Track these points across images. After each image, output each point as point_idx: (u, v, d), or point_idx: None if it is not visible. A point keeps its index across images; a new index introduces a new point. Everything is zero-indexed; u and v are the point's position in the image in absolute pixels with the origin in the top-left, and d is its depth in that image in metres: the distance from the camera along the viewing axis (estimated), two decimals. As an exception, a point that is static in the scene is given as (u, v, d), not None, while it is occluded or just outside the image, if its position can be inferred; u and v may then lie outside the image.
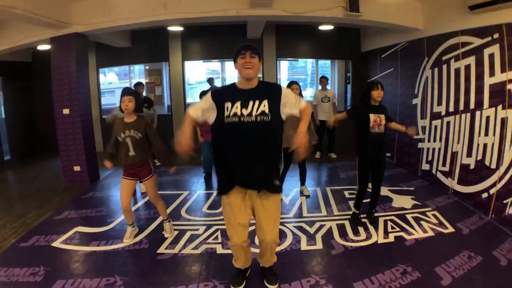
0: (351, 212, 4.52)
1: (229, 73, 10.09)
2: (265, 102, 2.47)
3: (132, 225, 3.98)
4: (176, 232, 4.09)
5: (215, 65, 10.52)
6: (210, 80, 9.23)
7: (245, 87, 2.54)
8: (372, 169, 4.06)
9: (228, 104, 2.48)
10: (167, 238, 3.97)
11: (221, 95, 2.56)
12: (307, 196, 5.24)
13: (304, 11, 5.40)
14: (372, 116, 3.88)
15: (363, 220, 4.26)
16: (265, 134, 2.51)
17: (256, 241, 3.57)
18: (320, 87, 7.62)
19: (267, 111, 2.46)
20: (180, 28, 7.83)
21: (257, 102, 2.47)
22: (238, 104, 2.46)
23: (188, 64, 9.31)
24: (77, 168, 6.04)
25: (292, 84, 4.95)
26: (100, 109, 8.97)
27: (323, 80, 7.56)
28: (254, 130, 2.46)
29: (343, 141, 7.89)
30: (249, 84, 2.54)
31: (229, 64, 10.17)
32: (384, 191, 4.67)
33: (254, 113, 2.45)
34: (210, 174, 6.28)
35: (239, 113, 2.45)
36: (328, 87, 7.84)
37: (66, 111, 5.84)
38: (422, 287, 2.95)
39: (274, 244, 2.81)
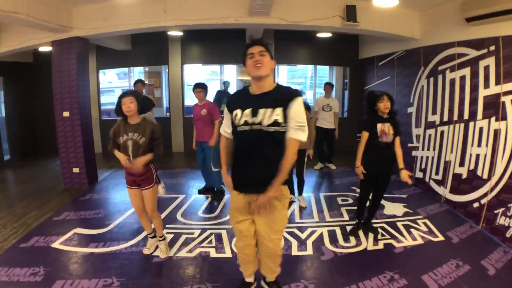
0: (343, 219, 4.64)
1: (228, 76, 10.17)
2: (279, 111, 2.28)
3: (152, 235, 3.79)
4: (173, 250, 3.88)
5: (214, 67, 10.59)
6: (225, 84, 9.16)
7: (257, 92, 2.36)
8: (376, 180, 3.98)
9: (237, 111, 2.37)
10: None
11: (232, 102, 2.46)
12: (304, 208, 5.10)
13: (301, 20, 5.48)
14: (379, 126, 3.78)
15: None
16: (277, 144, 2.34)
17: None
18: (323, 94, 7.18)
19: (280, 120, 2.28)
20: (180, 33, 7.91)
21: (269, 111, 2.29)
22: (248, 111, 2.33)
23: (188, 67, 9.37)
24: (76, 170, 6.12)
25: None
26: (100, 110, 9.04)
27: (327, 87, 7.10)
28: (265, 139, 2.33)
29: (339, 148, 7.87)
30: (260, 88, 2.35)
31: (228, 68, 10.26)
32: (377, 197, 4.77)
33: (265, 122, 2.29)
34: (222, 191, 5.61)
35: (250, 121, 2.32)
36: (333, 94, 7.41)
37: (66, 113, 5.91)
38: (408, 295, 3.03)
39: None
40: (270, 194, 2.38)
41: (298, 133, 2.32)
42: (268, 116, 2.29)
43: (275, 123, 2.29)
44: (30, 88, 8.78)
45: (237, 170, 2.54)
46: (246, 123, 2.33)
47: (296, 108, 2.31)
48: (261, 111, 2.30)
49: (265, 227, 2.60)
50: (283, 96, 2.33)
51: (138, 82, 6.58)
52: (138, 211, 3.64)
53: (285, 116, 2.29)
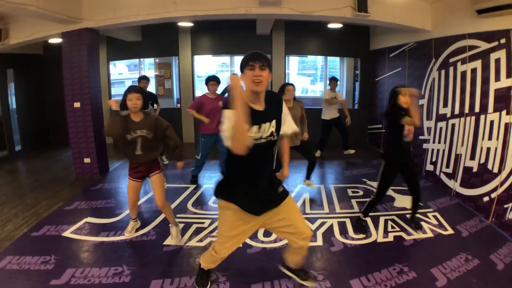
0: (353, 210, 4.63)
1: (238, 67, 10.13)
2: (274, 123, 2.35)
3: (135, 220, 4.07)
4: (184, 239, 3.94)
5: (224, 58, 10.57)
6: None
7: (257, 107, 2.32)
8: (403, 173, 3.93)
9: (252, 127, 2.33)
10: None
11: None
12: (314, 188, 5.36)
13: (312, 11, 5.45)
14: (406, 126, 3.71)
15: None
16: (270, 152, 2.45)
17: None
18: (329, 87, 7.37)
19: (274, 130, 2.36)
20: (190, 24, 7.89)
21: (267, 124, 2.33)
22: (255, 128, 2.28)
23: (198, 58, 9.39)
24: (87, 160, 6.19)
25: (286, 86, 4.79)
26: (110, 101, 9.06)
27: (333, 81, 7.29)
28: (263, 150, 2.36)
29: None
30: (259, 101, 2.33)
31: (238, 59, 10.23)
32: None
33: (264, 135, 2.32)
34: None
35: (257, 136, 2.30)
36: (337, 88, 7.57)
37: (77, 104, 5.97)
38: (417, 287, 3.03)
39: None
40: (285, 174, 2.77)
41: (293, 127, 2.62)
42: (267, 129, 2.34)
43: (271, 134, 2.36)
44: (40, 79, 8.85)
45: (243, 192, 2.46)
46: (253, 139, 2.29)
47: (284, 109, 2.51)
48: (263, 125, 2.32)
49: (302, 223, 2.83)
50: (276, 105, 2.45)
51: (143, 79, 6.54)
52: (132, 201, 3.87)
53: (278, 124, 2.42)
